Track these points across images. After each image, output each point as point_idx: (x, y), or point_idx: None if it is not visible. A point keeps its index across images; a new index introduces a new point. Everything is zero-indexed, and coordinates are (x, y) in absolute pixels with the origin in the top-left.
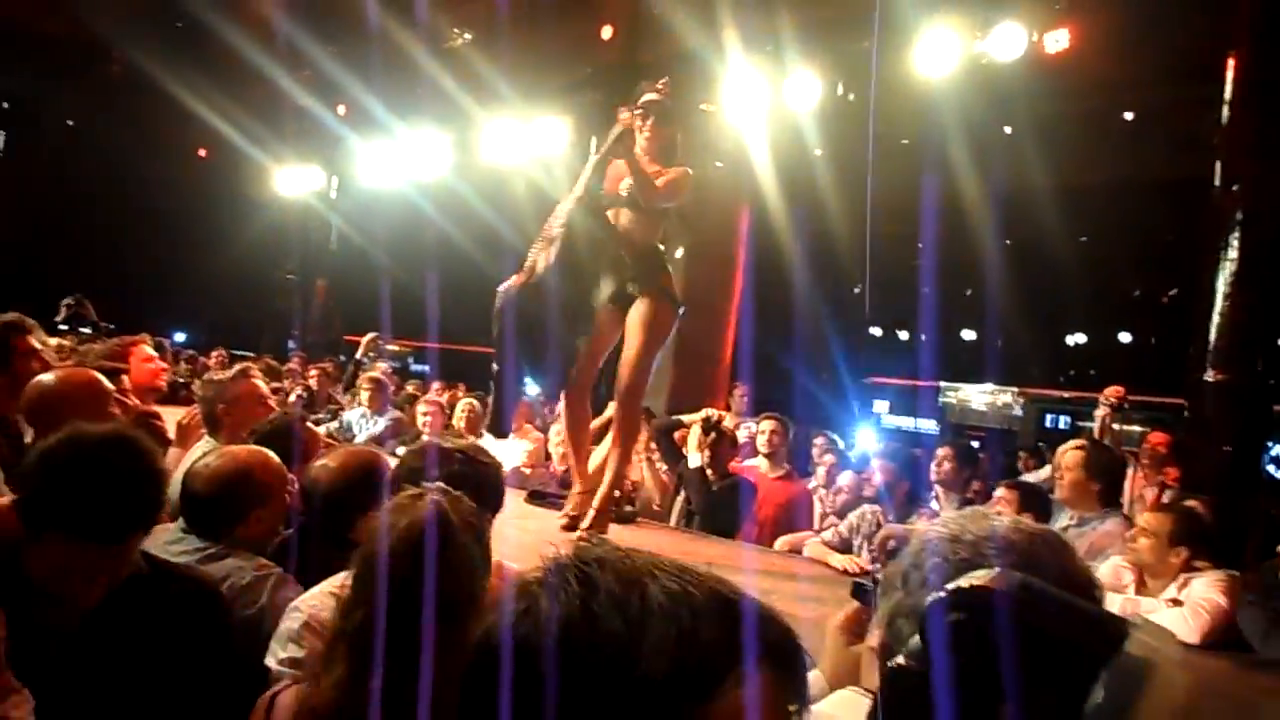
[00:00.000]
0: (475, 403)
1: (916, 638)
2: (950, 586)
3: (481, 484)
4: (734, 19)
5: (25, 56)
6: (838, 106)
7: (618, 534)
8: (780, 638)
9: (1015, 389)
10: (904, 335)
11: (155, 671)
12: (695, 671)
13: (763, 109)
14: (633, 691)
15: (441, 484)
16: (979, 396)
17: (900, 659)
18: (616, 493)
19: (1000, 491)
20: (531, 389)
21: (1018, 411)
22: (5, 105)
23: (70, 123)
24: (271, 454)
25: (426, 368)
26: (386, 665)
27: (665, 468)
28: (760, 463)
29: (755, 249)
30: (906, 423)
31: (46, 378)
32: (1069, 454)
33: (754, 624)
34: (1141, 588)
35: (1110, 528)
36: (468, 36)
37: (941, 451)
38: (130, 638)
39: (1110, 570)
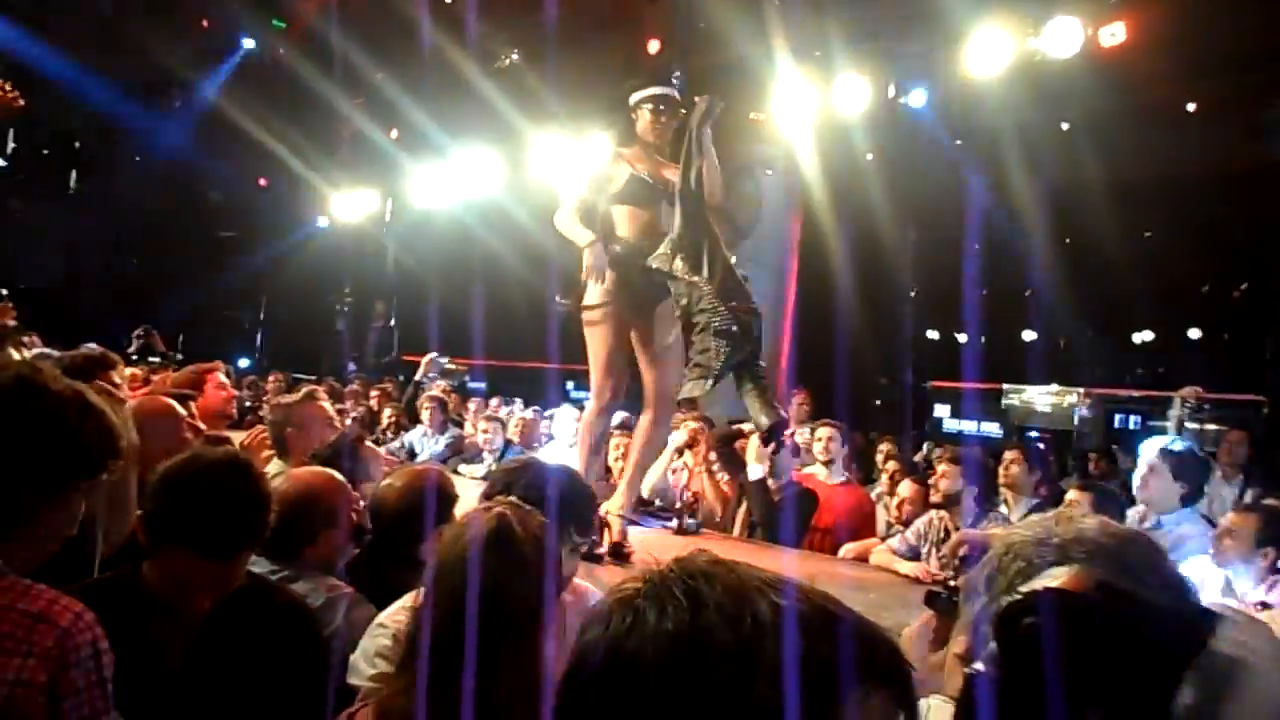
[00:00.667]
0: (527, 416)
1: (994, 643)
2: (1024, 589)
3: (569, 503)
4: (781, 26)
5: (96, 95)
6: (888, 110)
7: (681, 548)
8: (890, 657)
9: (1080, 390)
10: (962, 338)
11: (259, 682)
12: (811, 693)
13: (812, 115)
14: (745, 712)
15: (514, 499)
16: (1042, 398)
17: (979, 664)
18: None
19: (1072, 494)
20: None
21: (1084, 412)
22: (77, 144)
23: (138, 158)
24: (338, 475)
25: (483, 385)
26: (449, 671)
27: (726, 478)
28: (819, 470)
29: (807, 256)
30: (969, 427)
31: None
32: (1152, 455)
33: (865, 643)
34: (1229, 591)
35: (1187, 529)
36: (516, 56)
37: (1009, 455)
38: (238, 648)
39: (1192, 573)
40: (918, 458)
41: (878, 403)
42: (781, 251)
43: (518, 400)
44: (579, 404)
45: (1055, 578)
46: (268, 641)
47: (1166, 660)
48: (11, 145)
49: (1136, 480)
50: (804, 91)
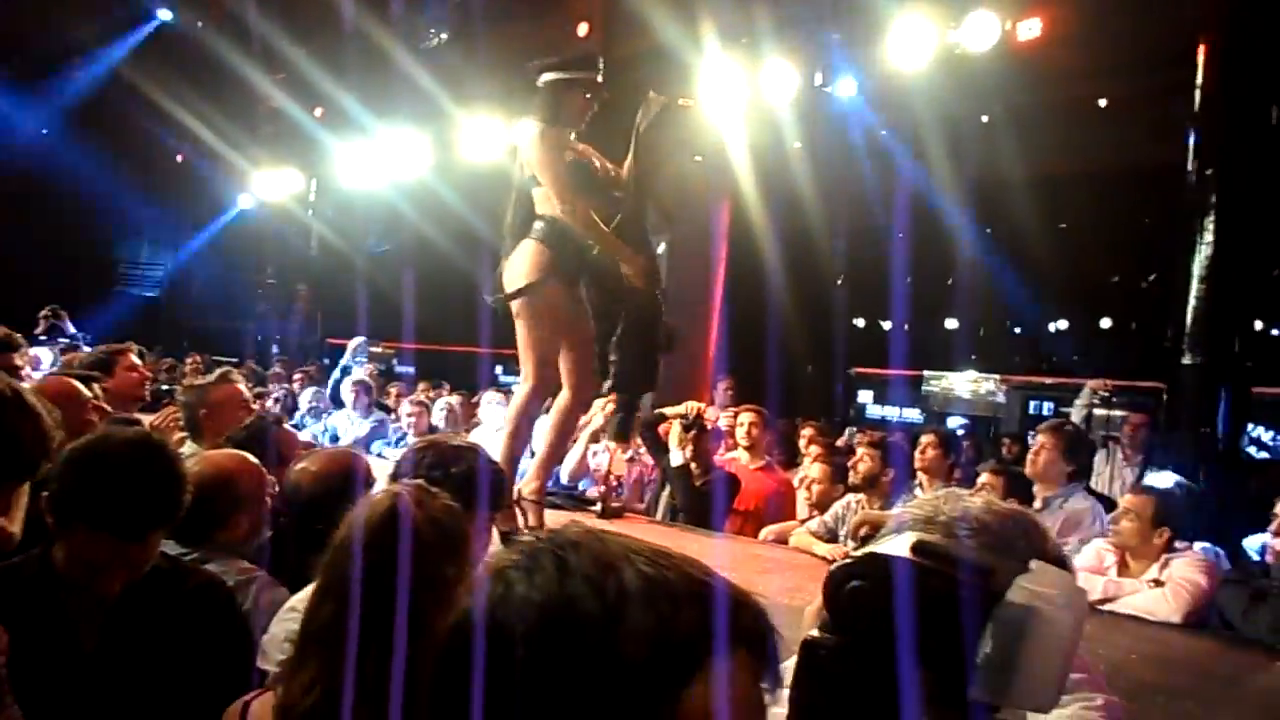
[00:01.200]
0: (454, 401)
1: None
2: (853, 554)
3: (480, 483)
4: (709, 11)
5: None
6: (814, 99)
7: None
8: (754, 620)
9: (998, 376)
10: (886, 325)
11: (177, 663)
12: (674, 655)
13: (740, 102)
14: (612, 676)
15: (418, 480)
16: (962, 384)
17: (814, 631)
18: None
19: (985, 477)
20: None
21: (1001, 399)
22: None
23: (45, 130)
24: (250, 457)
25: (411, 369)
26: (356, 663)
27: (650, 462)
28: (741, 455)
29: (736, 243)
30: (892, 413)
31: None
32: (1041, 436)
33: (728, 606)
34: (1124, 569)
35: (1078, 504)
36: (444, 36)
37: (925, 439)
38: (150, 629)
39: (1092, 553)
40: (840, 442)
41: (804, 389)
42: (708, 238)
43: (445, 385)
44: (506, 389)
45: (882, 543)
46: (184, 622)
47: (969, 611)
48: None
49: (1028, 459)
50: (732, 78)
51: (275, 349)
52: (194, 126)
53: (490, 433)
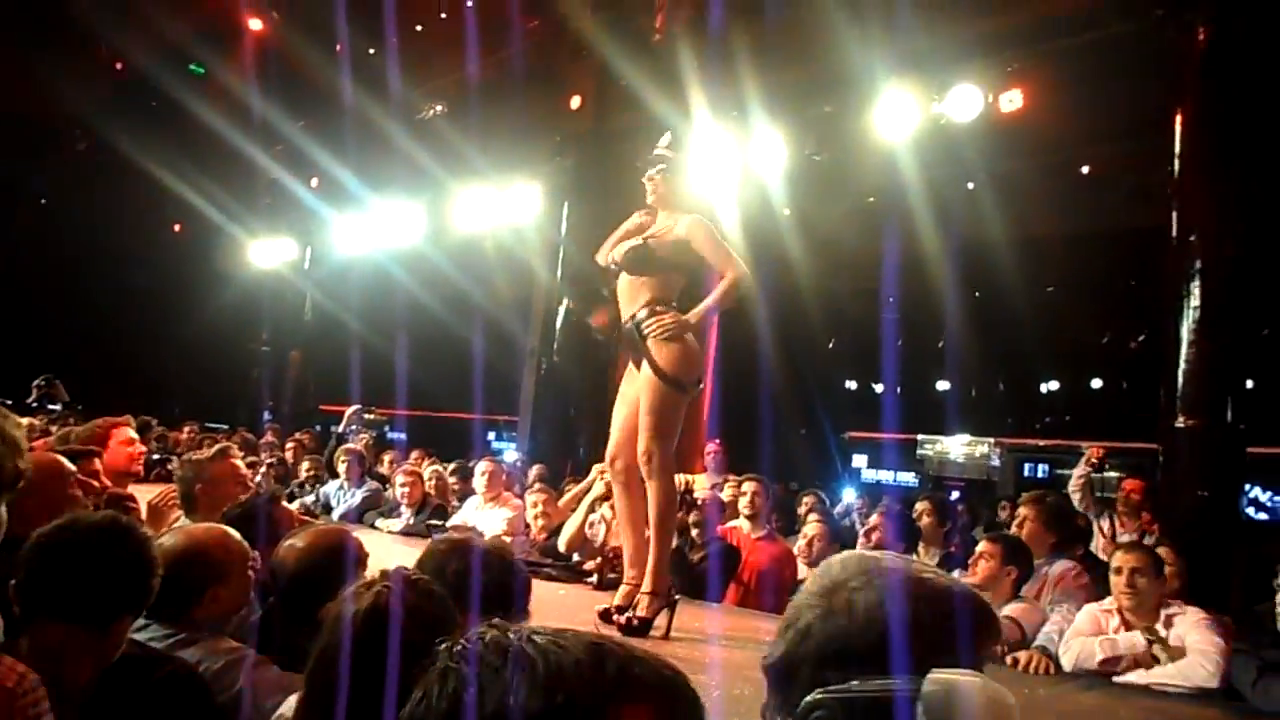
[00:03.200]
0: (442, 469)
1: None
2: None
3: (495, 586)
4: (699, 85)
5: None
6: (803, 168)
7: (604, 599)
8: (656, 675)
9: (992, 439)
10: (879, 388)
11: None
12: (567, 708)
13: (730, 172)
14: None
15: (406, 570)
16: (957, 448)
17: None
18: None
19: (982, 545)
20: (509, 455)
21: (995, 462)
22: None
23: (44, 201)
24: (230, 531)
25: (404, 435)
26: None
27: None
28: (743, 524)
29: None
30: (886, 476)
31: None
32: (1023, 508)
33: (624, 664)
34: (1125, 628)
35: (1061, 568)
36: (439, 108)
37: (920, 505)
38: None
39: (1088, 617)
40: (838, 509)
41: (797, 452)
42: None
43: (434, 454)
44: (498, 455)
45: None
46: (156, 714)
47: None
48: None
49: (1013, 529)
50: (722, 149)
51: (267, 415)
52: (192, 197)
53: (482, 502)
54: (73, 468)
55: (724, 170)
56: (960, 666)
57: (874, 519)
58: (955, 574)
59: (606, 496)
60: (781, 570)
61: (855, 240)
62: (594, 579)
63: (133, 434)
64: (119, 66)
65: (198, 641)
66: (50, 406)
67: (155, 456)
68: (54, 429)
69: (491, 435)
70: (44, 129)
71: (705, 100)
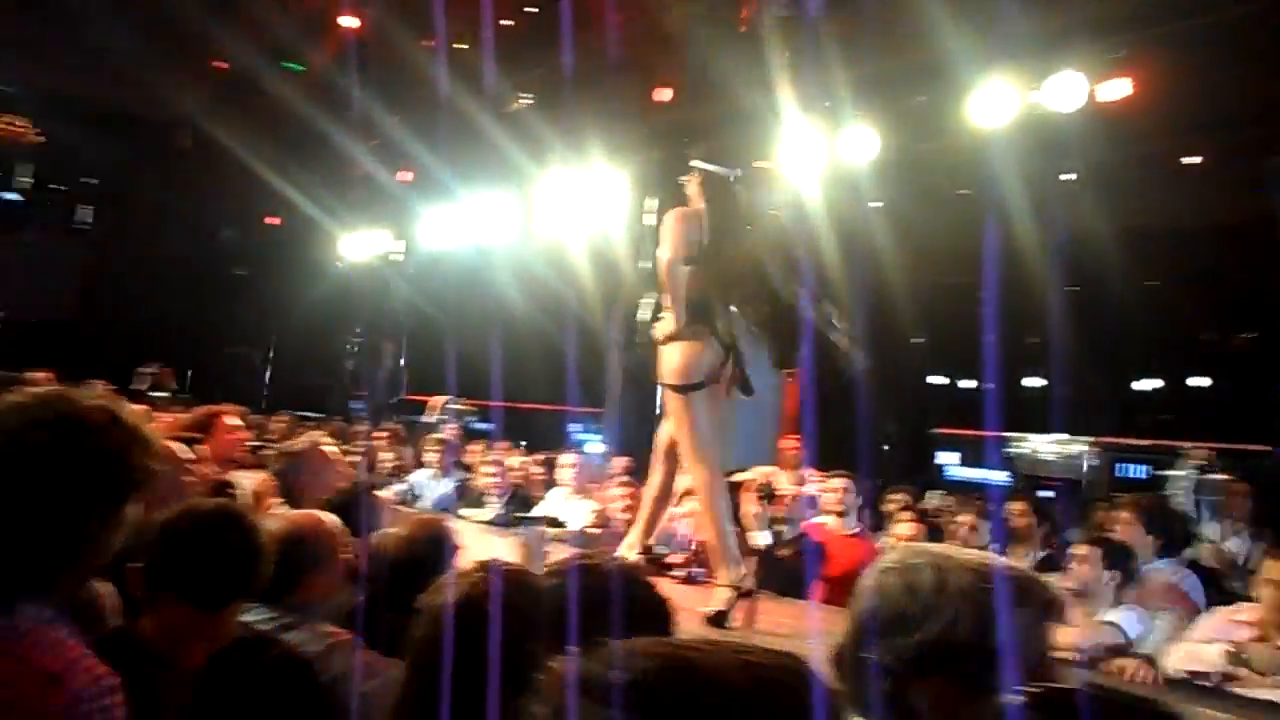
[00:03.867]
0: (529, 460)
1: None
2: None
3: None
4: (789, 77)
5: (110, 135)
6: (895, 160)
7: (683, 595)
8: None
9: (1087, 438)
10: (967, 384)
11: None
12: None
13: (819, 164)
14: None
15: (496, 559)
16: (1048, 446)
17: None
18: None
19: (1080, 548)
20: (591, 447)
21: (1090, 461)
22: (95, 182)
23: (151, 197)
24: (330, 517)
25: (492, 426)
26: None
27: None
28: (831, 520)
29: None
30: (976, 474)
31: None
32: (1123, 510)
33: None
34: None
35: (1163, 573)
36: (528, 100)
37: (1015, 505)
38: (232, 702)
39: (1217, 624)
40: (928, 507)
41: (883, 449)
42: None
43: (521, 445)
44: (581, 448)
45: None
46: (265, 695)
47: None
48: (27, 181)
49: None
50: (811, 141)
51: (359, 405)
52: (288, 192)
53: (568, 494)
54: (190, 454)
55: (813, 163)
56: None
57: (965, 518)
58: (1053, 577)
59: (691, 491)
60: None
61: (947, 234)
62: (681, 574)
63: (236, 421)
64: (220, 67)
65: (299, 626)
66: (157, 394)
67: (253, 444)
68: (156, 414)
69: (578, 428)
70: (151, 128)
71: (795, 92)
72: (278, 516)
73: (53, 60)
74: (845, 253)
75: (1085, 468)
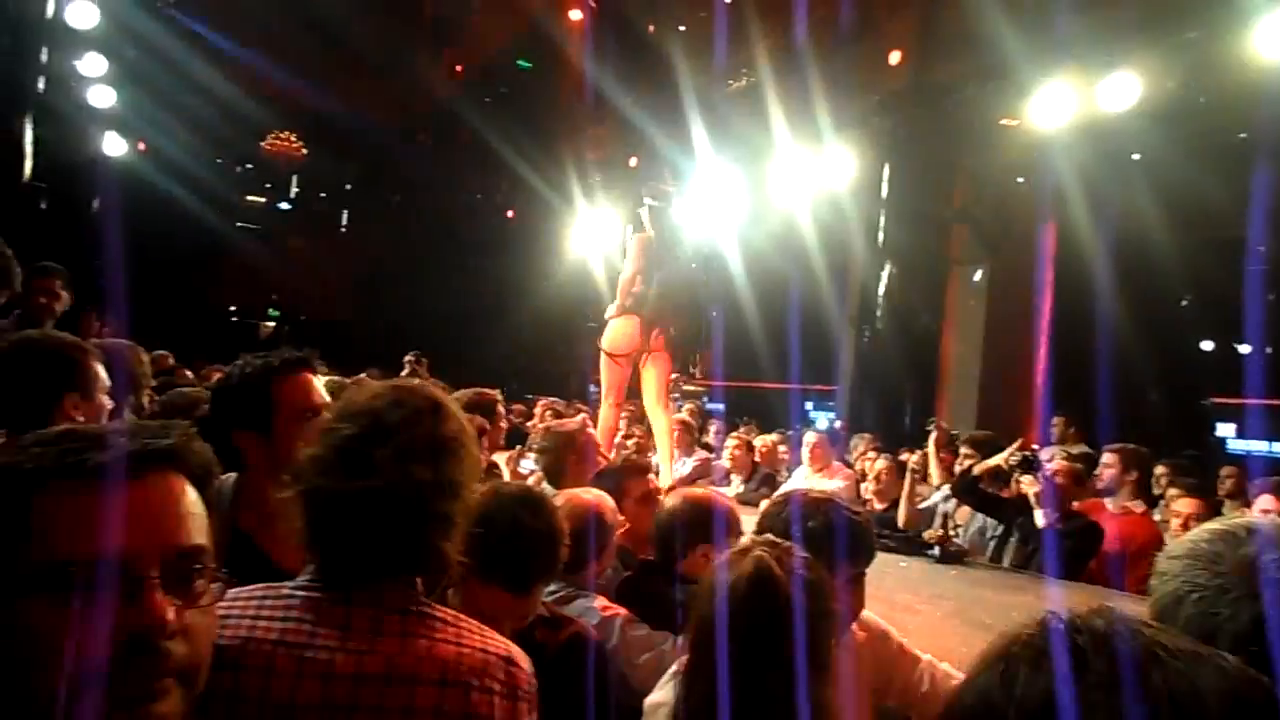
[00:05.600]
0: (772, 440)
1: None
2: None
3: (844, 534)
4: (1035, 27)
5: (358, 143)
6: (1159, 105)
7: (947, 572)
8: None
9: None
10: (1245, 349)
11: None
12: None
13: (1069, 117)
14: None
15: (768, 536)
16: None
17: None
18: (939, 531)
19: None
20: (821, 424)
21: None
22: (348, 186)
23: (398, 198)
24: (603, 496)
25: (722, 406)
26: None
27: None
28: (1104, 499)
29: (1064, 265)
30: (1259, 447)
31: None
32: None
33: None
34: None
35: None
36: (750, 78)
37: None
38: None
39: None
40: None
41: (1150, 421)
42: (1032, 262)
43: (750, 422)
44: (813, 424)
45: None
46: (562, 674)
47: None
48: (294, 191)
49: None
50: (1061, 93)
51: (593, 388)
52: (523, 184)
53: (809, 473)
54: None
55: (1063, 115)
56: None
57: (1265, 501)
58: None
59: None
60: (1143, 547)
61: (1216, 184)
62: (935, 551)
63: (500, 409)
64: (459, 69)
65: (576, 599)
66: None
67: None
68: None
69: (809, 404)
70: (396, 130)
71: (1042, 41)
72: (569, 496)
73: (308, 76)
74: (1098, 209)
75: None
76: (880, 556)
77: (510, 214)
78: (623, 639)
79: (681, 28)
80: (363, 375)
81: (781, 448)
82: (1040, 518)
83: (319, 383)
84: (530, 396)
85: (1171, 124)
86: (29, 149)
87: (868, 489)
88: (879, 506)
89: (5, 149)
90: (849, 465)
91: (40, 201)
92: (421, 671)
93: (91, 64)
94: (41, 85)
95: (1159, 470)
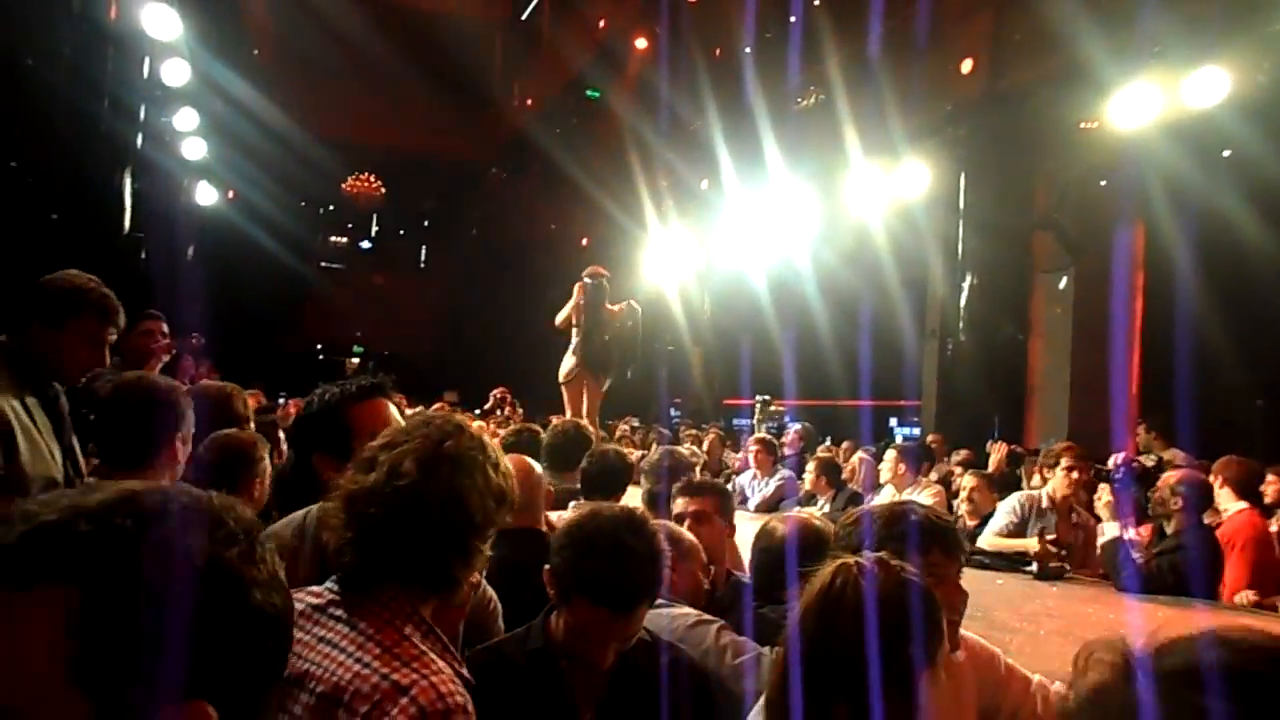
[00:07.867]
0: (859, 459)
1: None
2: None
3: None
4: (1114, 26)
5: (438, 179)
6: (1251, 99)
7: (1045, 590)
8: None
9: None
10: None
11: None
12: None
13: (1152, 116)
14: None
15: (866, 549)
16: None
17: None
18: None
19: None
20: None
21: None
22: (426, 224)
23: (474, 231)
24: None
25: (800, 426)
26: None
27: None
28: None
29: (1154, 268)
30: None
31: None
32: None
33: None
34: None
35: None
36: (821, 95)
37: None
38: (642, 703)
39: None
40: None
41: (1253, 428)
42: (1121, 266)
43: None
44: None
45: None
46: (668, 698)
47: None
48: (374, 229)
49: None
50: (1143, 92)
51: (674, 411)
52: (597, 211)
53: (894, 491)
54: (539, 473)
55: (1146, 114)
56: None
57: None
58: None
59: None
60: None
61: None
62: (1033, 568)
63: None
64: (529, 102)
65: (671, 605)
66: (497, 413)
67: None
68: (500, 431)
69: (894, 421)
70: (471, 165)
71: (1121, 41)
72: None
73: (385, 119)
74: (1181, 208)
75: None
76: (976, 574)
77: (585, 242)
78: (715, 642)
79: (747, 49)
80: (439, 403)
81: (855, 459)
82: (1108, 529)
83: (393, 409)
84: (610, 421)
85: (1263, 119)
86: (128, 202)
87: (960, 506)
88: (970, 524)
89: (108, 203)
90: (940, 482)
91: (141, 251)
92: (321, 680)
93: (185, 118)
94: (139, 141)
95: (1270, 477)
